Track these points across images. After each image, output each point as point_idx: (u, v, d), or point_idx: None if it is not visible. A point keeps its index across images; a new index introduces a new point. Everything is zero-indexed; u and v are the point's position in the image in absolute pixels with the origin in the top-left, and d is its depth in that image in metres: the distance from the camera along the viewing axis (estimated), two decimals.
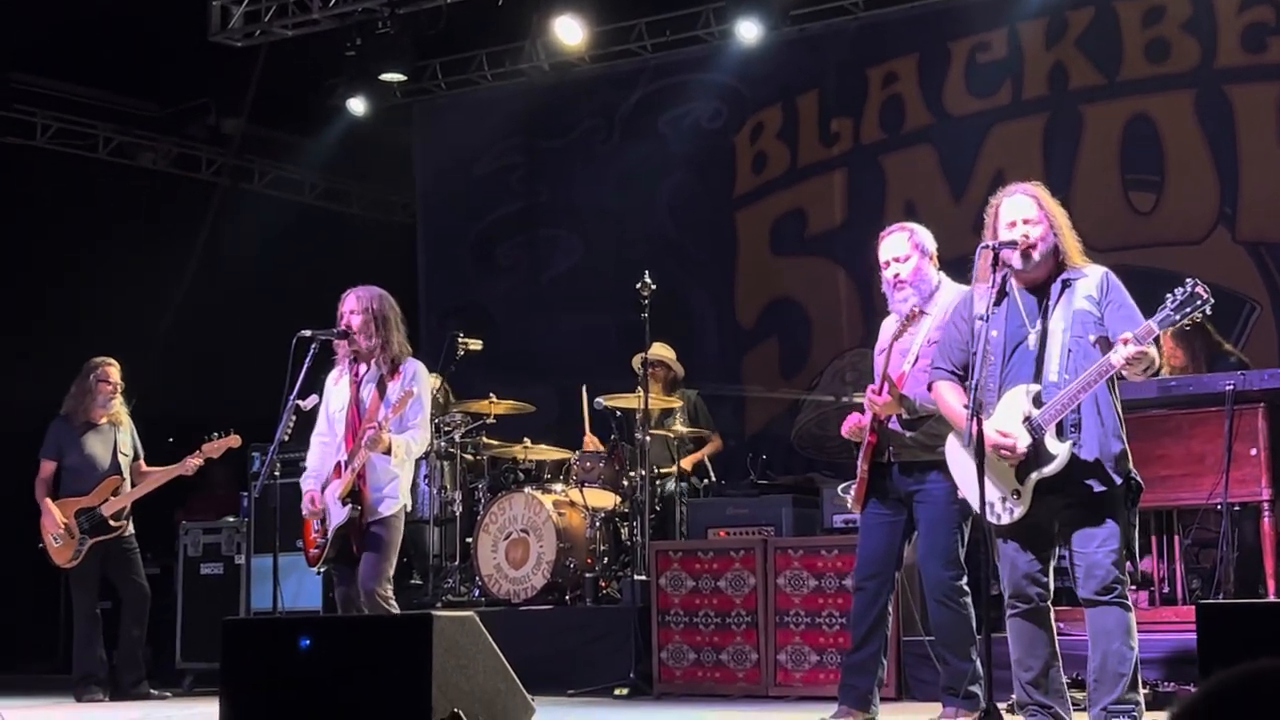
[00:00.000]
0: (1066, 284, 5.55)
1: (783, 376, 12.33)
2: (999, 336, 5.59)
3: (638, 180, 13.02)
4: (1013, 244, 5.56)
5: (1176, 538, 7.91)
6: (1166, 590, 7.90)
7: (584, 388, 10.35)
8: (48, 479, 9.57)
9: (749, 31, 11.86)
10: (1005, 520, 5.54)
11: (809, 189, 12.44)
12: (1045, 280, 5.61)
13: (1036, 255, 5.56)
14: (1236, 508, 7.61)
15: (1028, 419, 5.44)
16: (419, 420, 7.17)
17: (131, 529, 9.64)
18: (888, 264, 6.57)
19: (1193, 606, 7.01)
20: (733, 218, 12.77)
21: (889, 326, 6.62)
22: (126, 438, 9.71)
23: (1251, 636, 4.74)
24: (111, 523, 9.51)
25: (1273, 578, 7.37)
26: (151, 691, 9.53)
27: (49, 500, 9.51)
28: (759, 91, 12.62)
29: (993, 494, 5.54)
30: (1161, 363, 8.33)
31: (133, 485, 9.63)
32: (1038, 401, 5.45)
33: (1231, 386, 7.47)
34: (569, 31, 11.93)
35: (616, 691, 8.68)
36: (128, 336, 11.14)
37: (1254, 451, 7.44)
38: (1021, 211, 5.61)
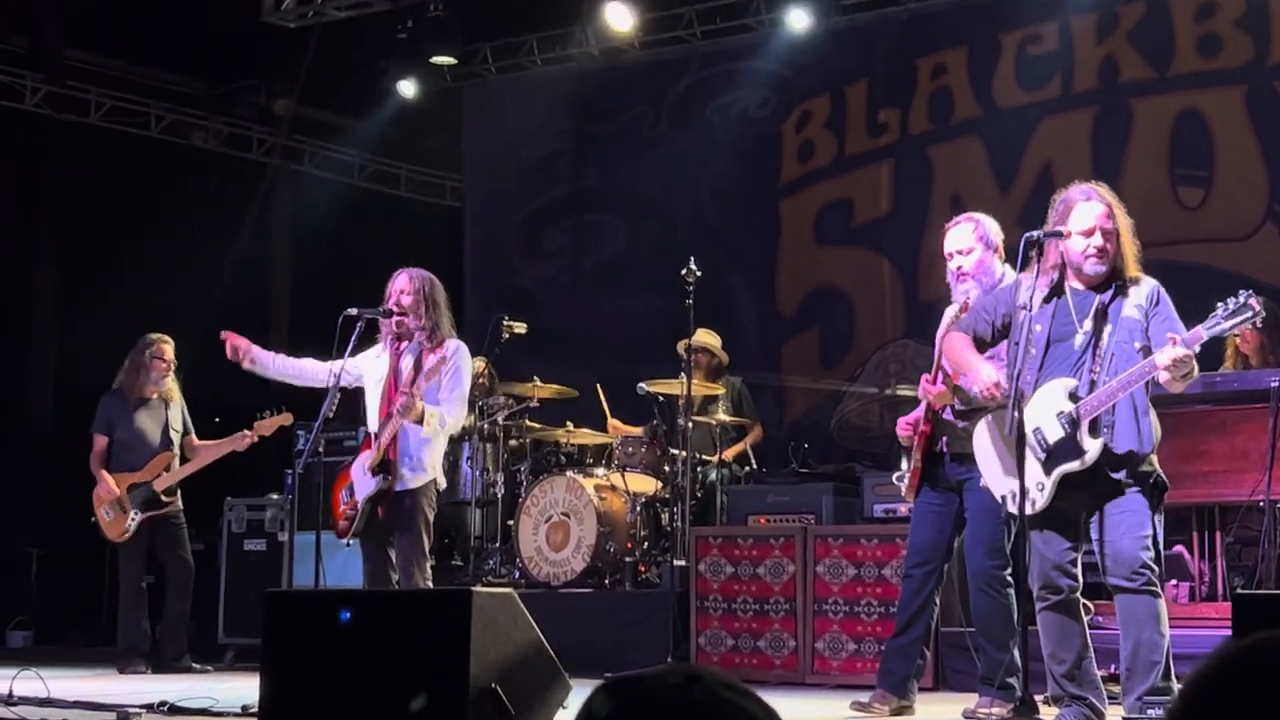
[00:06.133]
0: (1120, 289, 5.59)
1: (823, 366, 12.34)
2: (1042, 331, 5.63)
3: (684, 167, 13.03)
4: (1057, 233, 5.60)
5: (1218, 534, 7.90)
6: (1208, 587, 7.88)
7: (598, 385, 10.49)
8: (101, 453, 9.65)
9: (799, 20, 11.86)
10: (1027, 510, 5.57)
11: (856, 179, 12.43)
12: (1100, 283, 5.63)
13: (1107, 265, 5.58)
14: (1279, 505, 7.58)
15: (1062, 413, 5.47)
16: (456, 395, 7.20)
17: (180, 505, 9.74)
18: (951, 255, 6.56)
19: None
20: (777, 206, 12.77)
21: (949, 313, 6.62)
22: (178, 414, 9.79)
23: None
24: (163, 498, 9.60)
25: None
26: (194, 665, 9.62)
27: (105, 472, 9.59)
28: (807, 80, 12.61)
29: (1011, 484, 5.59)
30: (1228, 354, 8.38)
31: (186, 460, 9.71)
32: (1074, 397, 5.48)
33: (1276, 384, 7.45)
34: (619, 17, 11.96)
35: None
36: (177, 315, 11.22)
37: None
38: (1099, 219, 5.62)
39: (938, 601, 6.71)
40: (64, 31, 13.37)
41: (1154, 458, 5.58)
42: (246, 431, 9.50)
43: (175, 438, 9.73)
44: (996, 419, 5.82)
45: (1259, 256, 10.39)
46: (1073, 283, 5.67)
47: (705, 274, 9.42)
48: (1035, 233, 5.67)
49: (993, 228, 6.62)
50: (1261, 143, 10.75)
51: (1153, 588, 5.49)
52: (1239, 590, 7.03)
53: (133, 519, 9.52)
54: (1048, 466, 5.53)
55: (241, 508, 10.69)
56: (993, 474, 5.79)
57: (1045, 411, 5.54)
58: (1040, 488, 5.55)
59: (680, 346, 9.95)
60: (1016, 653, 6.15)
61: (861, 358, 12.14)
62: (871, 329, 12.17)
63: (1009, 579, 6.42)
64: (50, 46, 13.33)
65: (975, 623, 6.67)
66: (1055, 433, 5.50)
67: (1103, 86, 11.41)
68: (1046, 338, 5.62)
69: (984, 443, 5.84)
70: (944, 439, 6.51)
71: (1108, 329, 5.55)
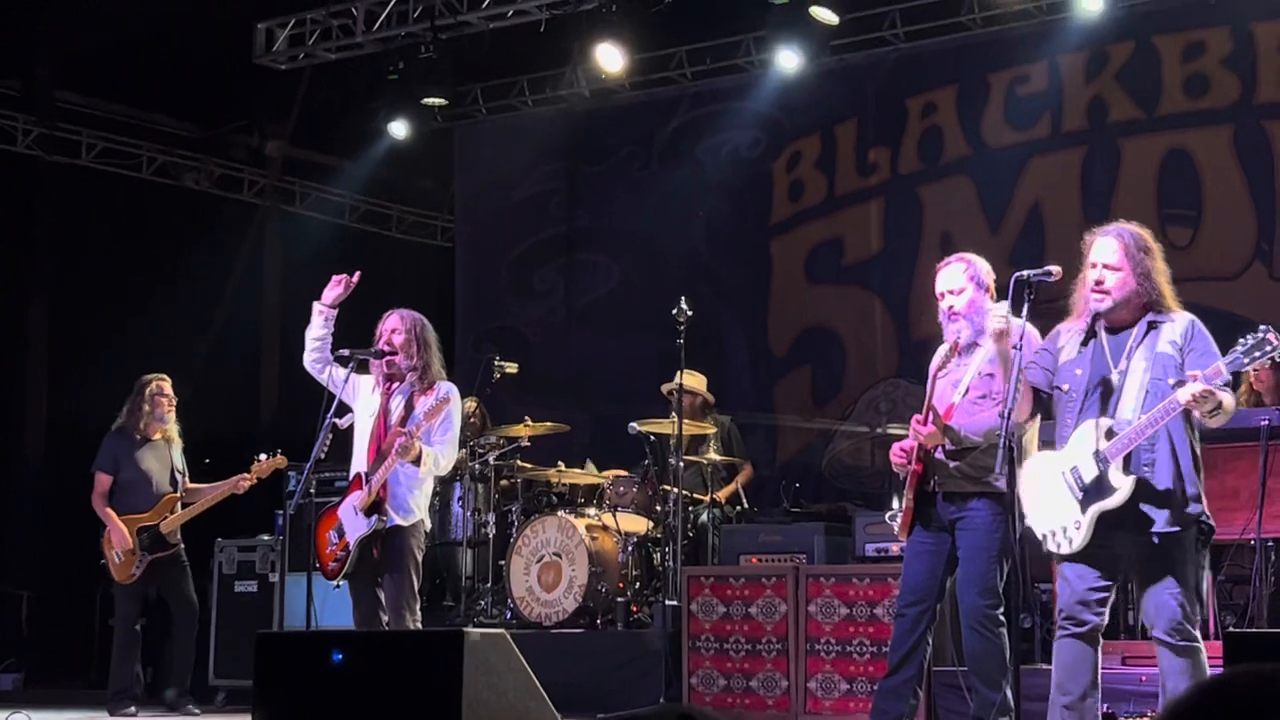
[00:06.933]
0: (1152, 325, 5.65)
1: (815, 405, 12.34)
2: (1082, 375, 5.71)
3: (675, 207, 13.06)
4: (1047, 273, 5.66)
5: (1210, 573, 7.89)
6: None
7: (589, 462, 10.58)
8: (105, 493, 9.60)
9: (789, 61, 11.90)
10: (1065, 550, 5.64)
11: (846, 218, 12.47)
12: (1132, 322, 5.68)
13: (1108, 302, 5.64)
14: (1270, 543, 7.59)
15: (1097, 451, 5.52)
16: (448, 438, 7.22)
17: (182, 545, 9.71)
18: (943, 295, 6.58)
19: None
20: (768, 245, 12.80)
21: (941, 353, 6.63)
22: (179, 454, 9.78)
23: None
24: (169, 540, 9.57)
25: None
26: (190, 708, 9.56)
27: (113, 514, 9.53)
28: (798, 120, 12.66)
29: (1054, 523, 5.66)
30: (1241, 390, 8.46)
31: (184, 505, 9.68)
32: (1110, 435, 5.52)
33: (1266, 422, 7.47)
34: (610, 58, 11.99)
35: None
36: (169, 356, 11.22)
37: None
38: (1103, 255, 5.68)
39: (930, 641, 6.69)
40: (56, 74, 13.40)
41: (1202, 497, 5.60)
42: (245, 475, 9.49)
43: (180, 479, 9.71)
44: (1046, 457, 5.85)
45: (1248, 295, 10.41)
46: (1105, 322, 5.72)
47: (696, 314, 9.44)
48: (1025, 272, 5.71)
49: (984, 267, 6.64)
50: (1249, 182, 10.81)
51: (1190, 643, 5.53)
52: (1231, 629, 7.03)
53: (140, 561, 9.50)
54: (1084, 505, 5.59)
55: (232, 549, 10.66)
56: (1035, 512, 5.83)
57: (1083, 450, 5.61)
58: (1077, 526, 5.61)
59: (665, 389, 9.97)
60: (1009, 692, 6.16)
61: (853, 396, 12.16)
62: (863, 368, 12.19)
63: (1002, 618, 6.42)
64: (42, 89, 13.37)
65: (967, 662, 6.65)
66: (1091, 471, 5.56)
67: (1091, 126, 11.47)
68: (1086, 381, 5.67)
69: (1030, 481, 5.88)
70: (935, 478, 6.51)
71: (1141, 365, 5.59)
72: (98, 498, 9.59)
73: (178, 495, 9.65)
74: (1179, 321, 5.65)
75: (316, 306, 7.44)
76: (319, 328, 7.39)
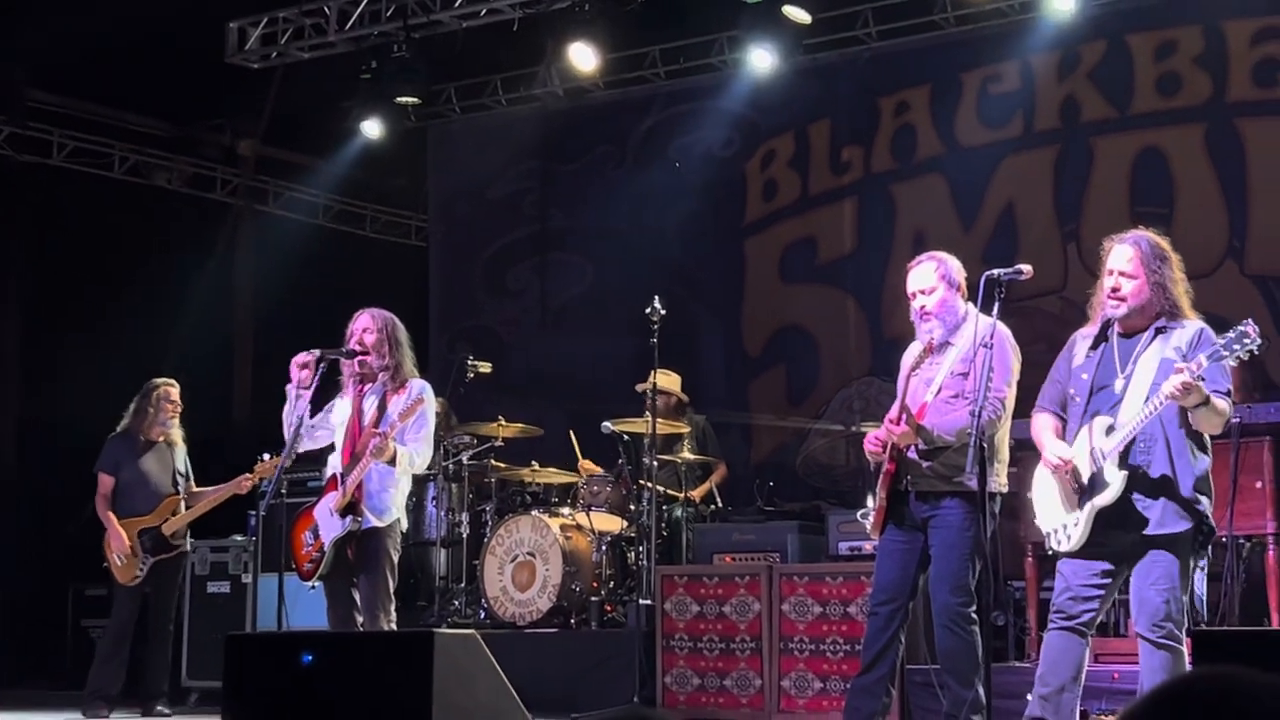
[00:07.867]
0: (1160, 331, 5.70)
1: (789, 404, 12.35)
2: (1088, 379, 5.78)
3: (649, 206, 13.04)
4: (1018, 271, 5.70)
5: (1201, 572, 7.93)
6: None
7: (570, 432, 10.48)
8: (107, 494, 9.55)
9: (762, 60, 11.89)
10: (1065, 547, 5.75)
11: (819, 217, 12.47)
12: (1144, 328, 5.75)
13: (1124, 308, 5.71)
14: (1242, 541, 7.62)
15: (1094, 449, 5.59)
16: (422, 435, 7.20)
17: (187, 547, 9.68)
18: (914, 295, 6.58)
19: None
20: (741, 245, 12.80)
21: (913, 351, 6.64)
22: (181, 457, 9.75)
23: (1247, 665, 4.75)
24: (172, 541, 9.53)
25: (1277, 610, 7.39)
26: (161, 710, 9.51)
27: (113, 518, 9.47)
28: (771, 119, 12.66)
29: (1056, 521, 5.76)
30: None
31: (187, 506, 9.64)
32: (1109, 433, 5.63)
33: (1237, 420, 7.48)
34: (583, 57, 11.97)
35: None
36: (141, 356, 11.17)
37: (1259, 484, 7.48)
38: (1120, 262, 5.74)
39: (903, 639, 6.70)
40: (27, 73, 13.33)
41: (1204, 500, 5.63)
42: (248, 475, 9.46)
43: (181, 481, 9.68)
44: None
45: (1220, 293, 10.42)
46: (1116, 328, 5.77)
47: (671, 313, 9.43)
48: (996, 271, 5.74)
49: (955, 266, 6.64)
50: (1221, 180, 10.84)
51: (1171, 642, 5.59)
52: (1200, 626, 7.06)
53: (144, 563, 9.46)
54: (1081, 501, 5.67)
55: (205, 550, 10.63)
56: (1042, 509, 5.95)
57: (1082, 450, 5.69)
58: (1076, 523, 5.71)
59: (639, 389, 9.96)
60: (981, 690, 6.18)
61: (827, 395, 12.16)
62: (837, 366, 12.19)
63: (974, 616, 6.43)
64: (12, 88, 13.29)
65: (940, 660, 6.66)
66: (1088, 469, 5.65)
67: (1064, 125, 11.49)
68: (1090, 385, 5.71)
69: (1039, 480, 5.95)
70: (908, 477, 6.52)
71: (1146, 371, 5.64)
72: (100, 499, 9.56)
73: (180, 496, 9.62)
74: (1189, 328, 5.71)
75: (289, 389, 7.25)
76: (296, 409, 7.21)
